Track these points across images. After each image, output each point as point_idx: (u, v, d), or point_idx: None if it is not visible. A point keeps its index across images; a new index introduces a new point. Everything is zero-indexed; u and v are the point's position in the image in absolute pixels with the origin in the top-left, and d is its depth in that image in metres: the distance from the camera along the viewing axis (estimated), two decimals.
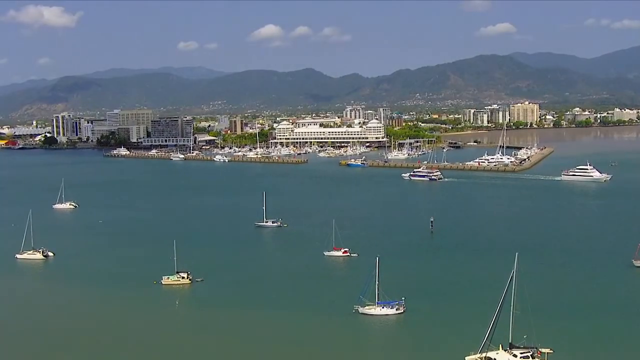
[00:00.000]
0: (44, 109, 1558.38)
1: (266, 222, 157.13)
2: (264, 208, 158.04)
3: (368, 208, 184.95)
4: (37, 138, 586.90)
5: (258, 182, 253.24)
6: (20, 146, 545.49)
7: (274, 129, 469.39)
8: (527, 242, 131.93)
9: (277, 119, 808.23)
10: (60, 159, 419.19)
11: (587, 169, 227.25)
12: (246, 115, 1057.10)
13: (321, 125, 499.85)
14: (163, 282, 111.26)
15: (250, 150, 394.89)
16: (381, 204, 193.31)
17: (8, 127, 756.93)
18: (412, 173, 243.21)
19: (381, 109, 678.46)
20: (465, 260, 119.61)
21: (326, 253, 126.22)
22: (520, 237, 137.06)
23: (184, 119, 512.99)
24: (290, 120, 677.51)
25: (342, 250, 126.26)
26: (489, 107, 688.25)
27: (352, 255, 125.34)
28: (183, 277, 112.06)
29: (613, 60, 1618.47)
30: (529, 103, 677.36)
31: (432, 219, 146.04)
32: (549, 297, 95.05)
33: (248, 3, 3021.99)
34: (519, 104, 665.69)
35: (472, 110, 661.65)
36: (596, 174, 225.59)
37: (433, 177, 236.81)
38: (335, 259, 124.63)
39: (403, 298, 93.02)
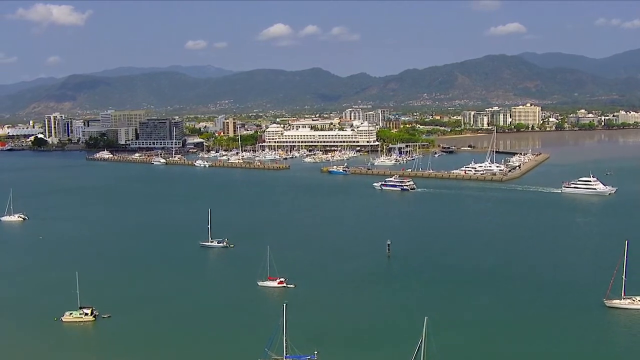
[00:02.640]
0: (52, 107, 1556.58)
1: (211, 241, 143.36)
2: (209, 226, 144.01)
3: (326, 224, 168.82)
4: (30, 139, 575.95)
5: (228, 191, 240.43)
6: (9, 147, 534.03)
7: (264, 132, 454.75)
8: (493, 272, 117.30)
9: (277, 119, 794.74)
10: (42, 161, 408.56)
11: (589, 181, 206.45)
12: (251, 115, 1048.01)
13: (312, 128, 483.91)
14: (63, 319, 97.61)
15: (237, 154, 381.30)
16: (342, 219, 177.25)
17: (8, 127, 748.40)
18: (383, 182, 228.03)
19: (380, 111, 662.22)
20: (412, 296, 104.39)
21: (260, 283, 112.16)
22: (486, 265, 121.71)
23: (173, 120, 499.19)
24: (290, 121, 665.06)
25: (278, 280, 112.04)
26: (490, 109, 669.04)
27: (288, 285, 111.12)
28: (86, 314, 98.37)
29: (623, 60, 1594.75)
30: (531, 105, 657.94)
31: (389, 242, 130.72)
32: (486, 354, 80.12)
33: (257, 2, 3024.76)
34: (520, 106, 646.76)
35: (472, 112, 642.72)
36: (600, 187, 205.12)
37: (405, 187, 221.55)
38: (269, 291, 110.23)
39: (316, 352, 78.53)
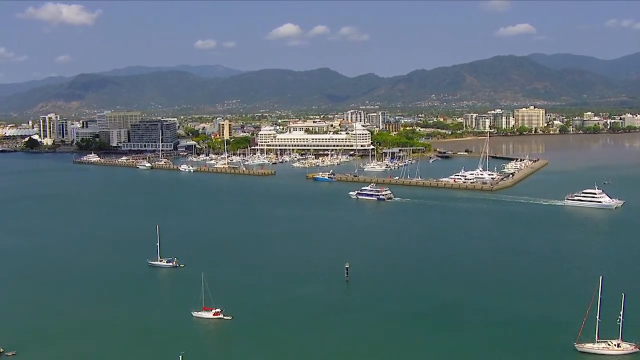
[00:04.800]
0: (59, 106, 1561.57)
1: (160, 260, 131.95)
2: (158, 244, 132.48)
3: (287, 241, 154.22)
4: (25, 140, 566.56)
5: (202, 200, 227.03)
6: (0, 149, 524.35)
7: (256, 135, 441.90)
8: (460, 303, 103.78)
9: (279, 120, 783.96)
10: (28, 164, 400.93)
11: (594, 194, 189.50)
12: (256, 115, 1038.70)
13: (306, 131, 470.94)
14: None
15: (228, 157, 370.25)
16: (307, 234, 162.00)
17: (11, 127, 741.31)
18: (359, 191, 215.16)
19: (380, 113, 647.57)
20: (362, 334, 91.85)
21: (195, 314, 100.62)
22: (453, 294, 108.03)
23: (165, 122, 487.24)
24: (291, 122, 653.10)
25: (214, 311, 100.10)
26: (493, 111, 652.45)
27: (224, 317, 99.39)
28: None
29: (634, 61, 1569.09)
30: (535, 108, 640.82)
31: (347, 265, 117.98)
32: None
33: (267, 2, 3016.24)
34: (523, 109, 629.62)
35: (474, 115, 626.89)
36: (605, 200, 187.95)
37: (381, 196, 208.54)
38: (203, 323, 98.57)
39: None
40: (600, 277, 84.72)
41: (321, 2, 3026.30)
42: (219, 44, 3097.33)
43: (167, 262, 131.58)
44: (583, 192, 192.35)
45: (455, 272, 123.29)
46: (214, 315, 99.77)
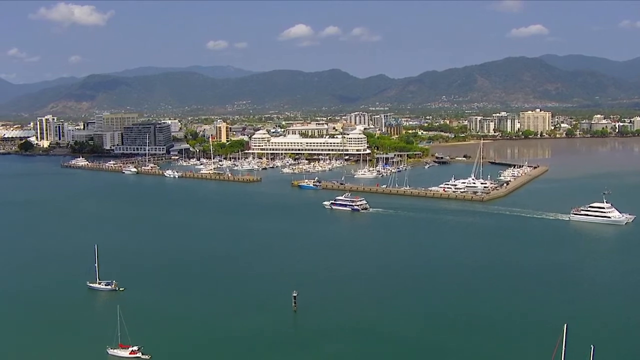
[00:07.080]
0: (70, 106, 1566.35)
1: (99, 283, 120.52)
2: (96, 265, 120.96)
3: (241, 261, 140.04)
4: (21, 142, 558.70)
5: (173, 210, 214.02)
6: None
7: (250, 139, 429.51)
8: (414, 340, 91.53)
9: (283, 122, 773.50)
10: (17, 167, 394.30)
11: (602, 208, 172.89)
12: (265, 116, 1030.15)
13: (302, 134, 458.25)
14: None
15: (219, 161, 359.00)
16: (265, 253, 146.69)
17: (16, 127, 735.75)
18: (333, 201, 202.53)
19: (382, 115, 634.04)
20: None
21: (110, 351, 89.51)
22: (411, 329, 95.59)
23: (158, 124, 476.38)
24: (294, 124, 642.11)
25: (130, 349, 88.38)
26: (497, 114, 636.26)
27: (142, 356, 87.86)
28: None
29: None
30: (541, 110, 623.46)
31: (294, 294, 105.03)
32: None
33: (279, 2, 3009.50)
34: (529, 111, 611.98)
35: (479, 118, 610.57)
36: (615, 215, 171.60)
37: (356, 207, 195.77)
38: None
39: None
40: (565, 326, 71.04)
41: (333, 2, 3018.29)
42: (230, 44, 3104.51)
43: (105, 285, 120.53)
44: (590, 206, 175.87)
45: (419, 303, 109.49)
46: (130, 354, 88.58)
